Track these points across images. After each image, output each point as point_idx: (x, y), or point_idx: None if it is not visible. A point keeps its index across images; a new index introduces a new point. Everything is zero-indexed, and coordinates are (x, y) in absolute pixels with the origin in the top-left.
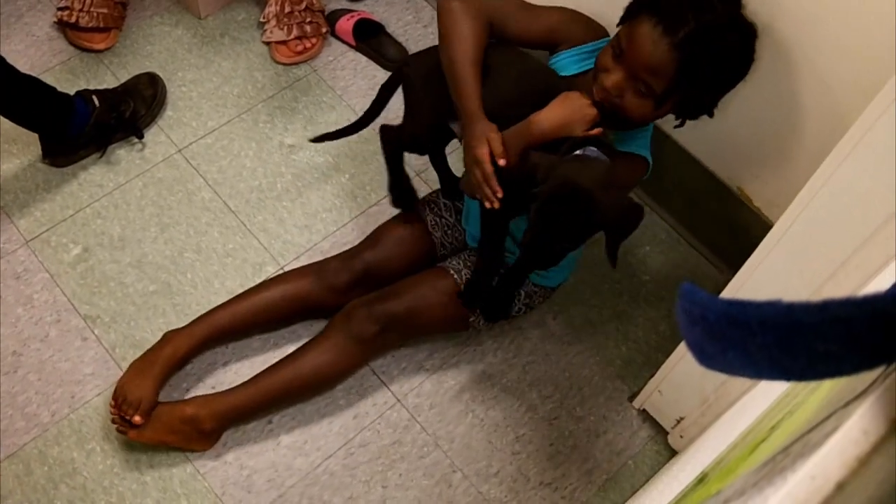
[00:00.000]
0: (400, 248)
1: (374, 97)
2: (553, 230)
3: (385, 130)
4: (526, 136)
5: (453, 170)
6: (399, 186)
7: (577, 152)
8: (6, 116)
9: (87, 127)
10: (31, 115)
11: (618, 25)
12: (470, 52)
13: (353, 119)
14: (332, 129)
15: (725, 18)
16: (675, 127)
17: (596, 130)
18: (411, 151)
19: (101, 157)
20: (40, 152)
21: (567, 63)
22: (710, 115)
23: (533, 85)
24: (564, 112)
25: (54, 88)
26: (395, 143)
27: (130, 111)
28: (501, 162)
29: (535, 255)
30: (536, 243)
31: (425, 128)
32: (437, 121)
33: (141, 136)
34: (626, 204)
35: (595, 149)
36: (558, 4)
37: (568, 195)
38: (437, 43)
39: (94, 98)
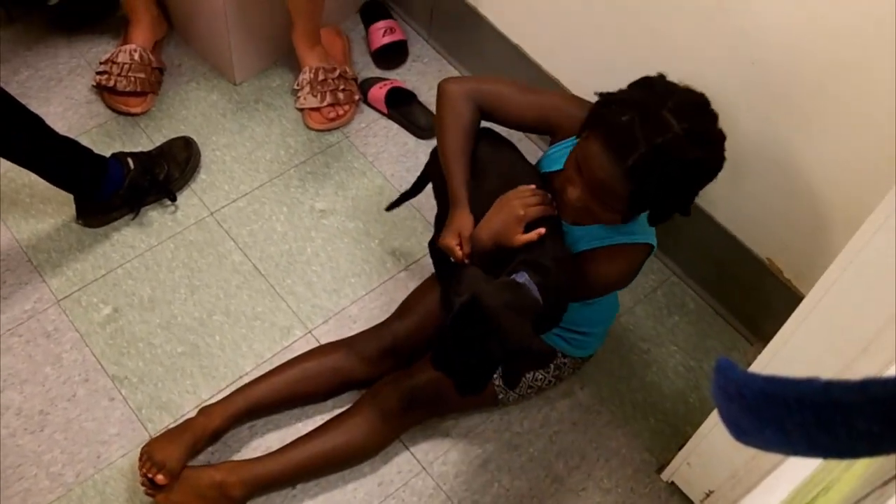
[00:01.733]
0: (429, 317)
1: (407, 164)
2: (457, 343)
3: (431, 243)
4: (476, 248)
5: None
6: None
7: (512, 276)
8: (42, 176)
9: (121, 189)
10: (66, 175)
11: (577, 135)
12: (459, 141)
13: (385, 185)
14: (363, 194)
15: (681, 133)
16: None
17: (533, 234)
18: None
19: (133, 218)
20: (74, 213)
21: (558, 156)
22: (684, 214)
23: (512, 186)
24: (495, 223)
25: (90, 150)
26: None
27: (164, 174)
28: (458, 257)
29: (444, 364)
30: (445, 353)
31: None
32: None
33: (174, 199)
34: (530, 336)
35: (525, 275)
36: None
37: (472, 312)
38: None
39: (129, 160)
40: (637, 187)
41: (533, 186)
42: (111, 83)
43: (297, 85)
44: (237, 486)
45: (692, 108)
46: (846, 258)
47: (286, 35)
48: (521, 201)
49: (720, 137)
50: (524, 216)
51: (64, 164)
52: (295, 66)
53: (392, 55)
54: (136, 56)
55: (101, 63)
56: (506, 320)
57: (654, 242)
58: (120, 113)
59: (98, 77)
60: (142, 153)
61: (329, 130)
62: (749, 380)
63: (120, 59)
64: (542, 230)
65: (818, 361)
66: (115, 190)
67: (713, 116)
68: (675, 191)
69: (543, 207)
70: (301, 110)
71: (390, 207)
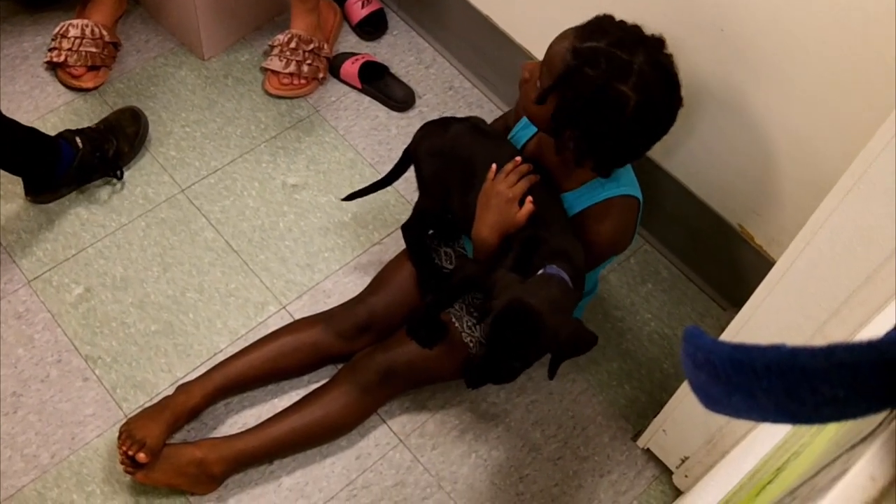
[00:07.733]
0: (404, 291)
1: (378, 137)
2: (502, 348)
3: (405, 228)
4: (483, 249)
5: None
6: (429, 278)
7: (540, 272)
8: None
9: (70, 168)
10: (20, 162)
11: None
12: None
13: (357, 159)
14: (335, 168)
15: (634, 66)
16: (593, 170)
17: (528, 206)
18: (428, 229)
19: (80, 193)
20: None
21: (522, 134)
22: (602, 172)
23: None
24: (490, 217)
25: (43, 134)
26: (414, 228)
27: (114, 150)
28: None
29: (489, 371)
30: (490, 359)
31: (438, 204)
32: (442, 202)
33: (121, 177)
34: (577, 328)
35: (554, 266)
36: None
37: (516, 316)
38: (446, 113)
39: (78, 139)
40: (571, 69)
41: (509, 164)
42: (62, 59)
43: (271, 43)
44: (217, 462)
45: (663, 70)
46: (816, 223)
47: (255, 9)
48: (503, 184)
49: (667, 103)
50: (514, 196)
51: (19, 152)
52: (263, 42)
53: (373, 26)
54: (88, 31)
55: (51, 39)
56: (552, 317)
57: (639, 196)
58: (74, 90)
59: (49, 54)
60: (90, 129)
61: (282, 97)
62: (717, 347)
63: (70, 34)
64: (530, 198)
65: (790, 326)
66: (65, 170)
67: (675, 86)
68: (594, 110)
69: (527, 179)
70: (264, 71)
71: (351, 197)
